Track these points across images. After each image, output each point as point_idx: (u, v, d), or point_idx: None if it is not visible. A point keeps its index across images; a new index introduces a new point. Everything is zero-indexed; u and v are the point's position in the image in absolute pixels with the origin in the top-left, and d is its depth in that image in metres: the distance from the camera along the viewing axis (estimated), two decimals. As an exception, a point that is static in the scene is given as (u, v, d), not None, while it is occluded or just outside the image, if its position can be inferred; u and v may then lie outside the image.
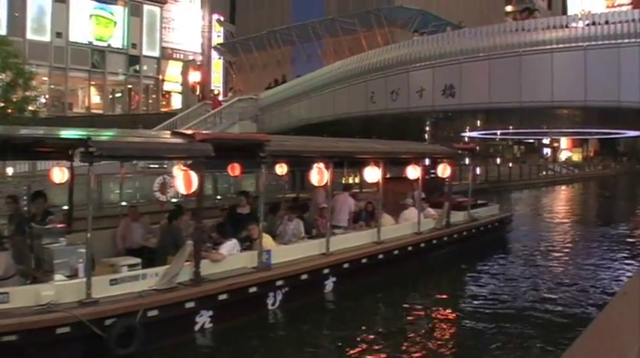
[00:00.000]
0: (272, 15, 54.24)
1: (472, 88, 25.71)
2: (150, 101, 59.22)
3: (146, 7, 57.32)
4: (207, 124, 32.48)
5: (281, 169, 16.05)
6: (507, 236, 20.98)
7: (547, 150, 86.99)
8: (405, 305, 12.35)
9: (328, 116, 31.73)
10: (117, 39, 55.35)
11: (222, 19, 67.55)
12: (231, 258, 10.69)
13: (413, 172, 15.44)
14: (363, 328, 10.77)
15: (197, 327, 9.81)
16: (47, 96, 50.09)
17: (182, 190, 9.77)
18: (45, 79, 48.91)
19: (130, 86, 57.69)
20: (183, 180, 9.57)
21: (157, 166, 25.81)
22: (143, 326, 8.65)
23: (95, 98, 55.98)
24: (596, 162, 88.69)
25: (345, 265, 12.78)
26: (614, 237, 22.45)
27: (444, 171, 16.89)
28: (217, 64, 65.84)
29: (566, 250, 19.84)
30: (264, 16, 54.97)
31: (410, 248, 15.11)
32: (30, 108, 34.43)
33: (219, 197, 23.58)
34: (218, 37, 66.92)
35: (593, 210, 37.98)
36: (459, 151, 19.35)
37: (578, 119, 35.63)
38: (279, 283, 11.12)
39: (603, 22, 22.96)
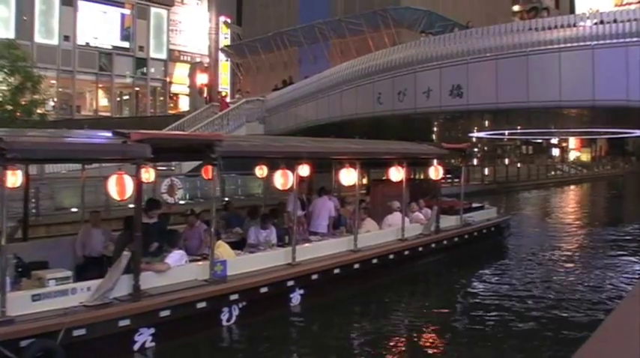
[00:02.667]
0: (278, 16, 54.15)
1: (479, 88, 25.55)
2: (157, 103, 59.39)
3: (153, 10, 57.43)
4: (215, 126, 32.56)
5: (261, 172, 15.18)
6: (505, 242, 19.94)
7: (555, 150, 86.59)
8: (384, 320, 11.37)
9: (335, 117, 31.65)
10: (124, 41, 55.59)
11: (229, 20, 67.71)
12: (179, 269, 9.78)
13: (396, 174, 14.35)
14: (333, 346, 9.95)
15: (136, 347, 8.91)
16: (55, 100, 50.16)
17: (115, 196, 8.90)
18: (53, 82, 48.99)
19: (137, 88, 57.82)
20: (115, 184, 8.71)
21: (164, 168, 25.88)
22: (67, 347, 7.76)
23: (103, 101, 56.19)
24: (605, 162, 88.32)
25: (314, 276, 11.67)
26: (623, 238, 22.14)
27: (435, 172, 15.94)
28: (224, 65, 66.01)
29: (573, 254, 19.21)
30: (270, 18, 54.89)
31: (392, 256, 13.89)
32: (38, 111, 34.58)
33: (226, 199, 23.66)
34: (225, 38, 67.13)
35: (601, 210, 37.77)
36: (450, 151, 18.14)
37: (587, 119, 35.40)
38: (234, 297, 10.12)
39: (611, 20, 22.75)
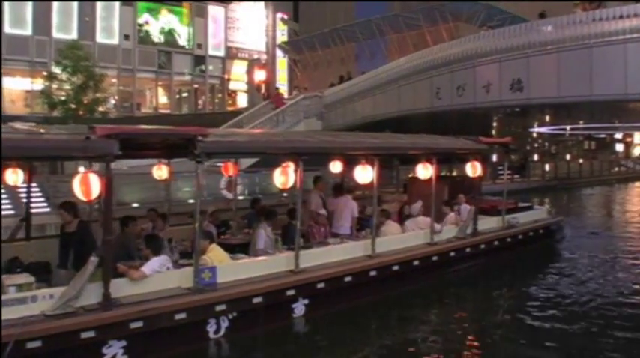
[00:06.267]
0: (335, 12, 54.26)
1: (540, 82, 25.06)
2: (216, 100, 60.10)
3: (210, 8, 58.20)
4: (272, 122, 32.80)
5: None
6: (556, 246, 17.72)
7: (619, 146, 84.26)
8: (404, 335, 10.04)
9: (393, 112, 31.53)
10: (182, 40, 56.52)
11: (285, 17, 68.00)
12: (160, 276, 8.87)
13: (423, 171, 12.91)
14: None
15: None
16: (116, 98, 51.31)
17: (81, 196, 8.06)
18: (114, 80, 50.08)
19: (196, 86, 58.56)
20: (80, 184, 7.89)
21: (220, 164, 26.08)
22: None
23: (162, 98, 57.11)
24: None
25: (320, 285, 10.37)
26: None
27: (472, 169, 14.38)
28: (282, 62, 66.38)
29: (637, 260, 16.72)
30: (327, 14, 55.02)
31: (416, 262, 12.37)
32: (100, 109, 35.56)
33: (285, 194, 23.69)
34: (282, 35, 67.45)
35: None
36: (491, 145, 16.56)
37: (654, 112, 34.44)
38: (221, 308, 9.10)
39: (681, 8, 22.08)
